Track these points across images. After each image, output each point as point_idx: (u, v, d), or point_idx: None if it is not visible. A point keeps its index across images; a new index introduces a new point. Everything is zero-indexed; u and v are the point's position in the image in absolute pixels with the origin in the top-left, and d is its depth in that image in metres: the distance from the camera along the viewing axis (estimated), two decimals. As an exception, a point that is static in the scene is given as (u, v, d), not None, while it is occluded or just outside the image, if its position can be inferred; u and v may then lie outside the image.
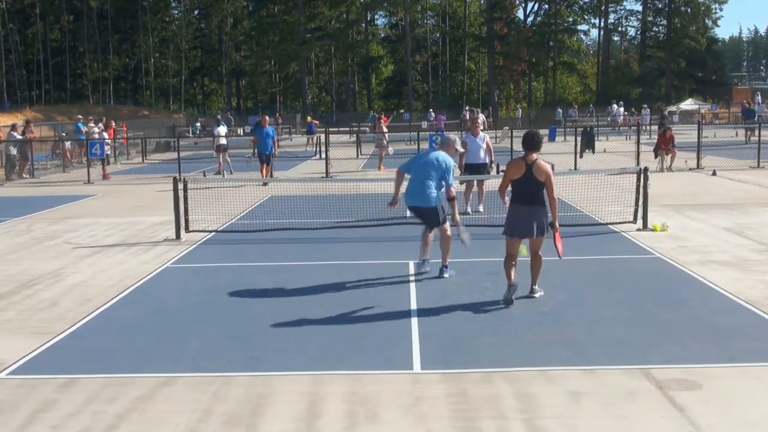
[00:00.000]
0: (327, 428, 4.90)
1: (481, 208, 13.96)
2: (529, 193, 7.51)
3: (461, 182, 13.83)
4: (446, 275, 8.86)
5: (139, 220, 14.26)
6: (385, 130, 25.73)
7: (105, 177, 23.41)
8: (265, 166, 20.02)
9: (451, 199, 8.78)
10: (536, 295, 7.88)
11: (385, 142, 24.42)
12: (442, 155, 8.82)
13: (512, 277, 7.64)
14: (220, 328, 7.08)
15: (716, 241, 10.92)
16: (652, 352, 6.16)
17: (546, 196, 7.59)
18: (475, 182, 14.13)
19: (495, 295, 8.13)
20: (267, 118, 21.55)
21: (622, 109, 48.33)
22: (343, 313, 7.56)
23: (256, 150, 20.15)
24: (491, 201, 14.26)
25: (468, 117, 43.50)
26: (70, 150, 28.43)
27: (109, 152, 26.71)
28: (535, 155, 7.54)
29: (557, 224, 7.71)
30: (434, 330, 6.90)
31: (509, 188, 7.81)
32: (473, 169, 13.93)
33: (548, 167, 7.59)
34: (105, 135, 27.73)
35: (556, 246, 7.65)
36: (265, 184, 18.57)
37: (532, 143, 7.59)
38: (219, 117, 31.95)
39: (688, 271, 9.07)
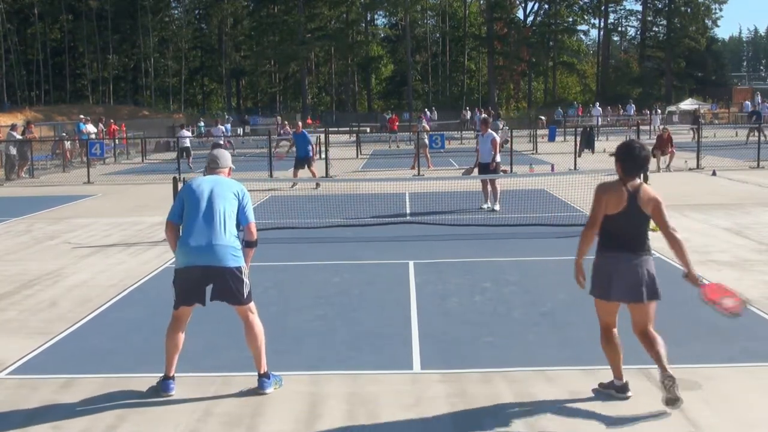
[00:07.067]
0: (327, 429, 4.90)
1: (497, 207, 14.30)
2: (631, 235, 5.19)
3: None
4: (269, 390, 5.47)
5: (139, 220, 14.25)
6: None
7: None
8: (301, 169, 19.76)
9: (250, 245, 5.61)
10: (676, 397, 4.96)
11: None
12: (226, 183, 5.64)
13: (621, 369, 5.32)
14: (220, 328, 7.06)
15: (716, 241, 10.92)
16: (652, 352, 6.15)
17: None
18: (488, 180, 14.56)
19: (495, 295, 8.14)
20: (300, 123, 21.59)
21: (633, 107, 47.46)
22: (343, 313, 7.56)
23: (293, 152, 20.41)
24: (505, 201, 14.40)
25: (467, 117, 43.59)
26: (69, 149, 28.46)
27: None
28: (638, 179, 5.23)
29: (696, 273, 5.19)
30: (434, 330, 6.90)
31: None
32: (481, 167, 14.54)
33: (656, 194, 5.28)
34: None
35: (723, 308, 5.15)
36: (317, 185, 18.67)
37: (639, 163, 5.18)
38: (233, 119, 31.41)
39: (688, 271, 9.05)
